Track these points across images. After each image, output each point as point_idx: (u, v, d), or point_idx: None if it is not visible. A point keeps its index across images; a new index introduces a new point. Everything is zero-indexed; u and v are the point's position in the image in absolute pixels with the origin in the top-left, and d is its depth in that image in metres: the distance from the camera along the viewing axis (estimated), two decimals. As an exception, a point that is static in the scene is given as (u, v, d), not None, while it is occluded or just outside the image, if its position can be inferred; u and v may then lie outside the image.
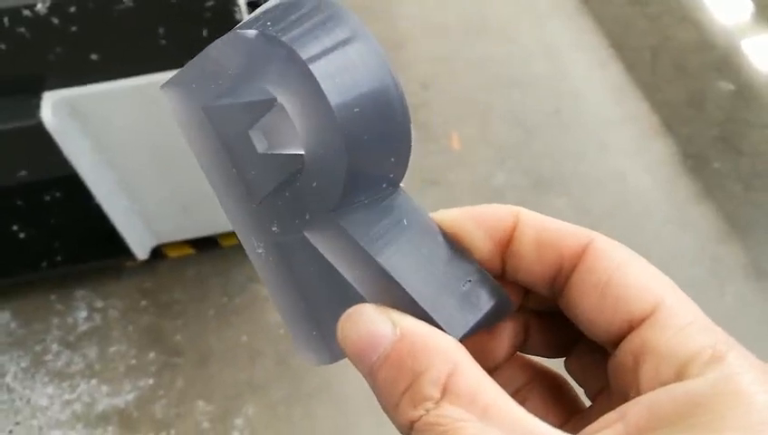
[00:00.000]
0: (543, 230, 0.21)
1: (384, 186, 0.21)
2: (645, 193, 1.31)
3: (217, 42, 0.21)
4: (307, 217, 0.21)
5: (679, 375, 0.16)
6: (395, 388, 0.17)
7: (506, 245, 0.21)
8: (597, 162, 1.37)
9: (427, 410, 0.16)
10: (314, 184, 0.20)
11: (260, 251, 0.22)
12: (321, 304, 0.22)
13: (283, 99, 0.20)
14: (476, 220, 0.21)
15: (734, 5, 1.69)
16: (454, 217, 0.21)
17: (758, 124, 1.41)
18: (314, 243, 0.21)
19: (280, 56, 0.19)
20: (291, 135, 0.20)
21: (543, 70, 1.56)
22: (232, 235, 1.25)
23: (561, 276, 0.20)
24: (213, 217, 1.16)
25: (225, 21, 0.86)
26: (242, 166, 0.21)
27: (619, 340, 0.19)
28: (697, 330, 0.18)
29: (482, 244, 0.21)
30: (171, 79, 0.22)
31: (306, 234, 0.21)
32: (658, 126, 1.43)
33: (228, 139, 0.21)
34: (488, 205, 0.21)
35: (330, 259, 0.21)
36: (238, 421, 1.05)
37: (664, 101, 1.47)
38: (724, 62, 1.54)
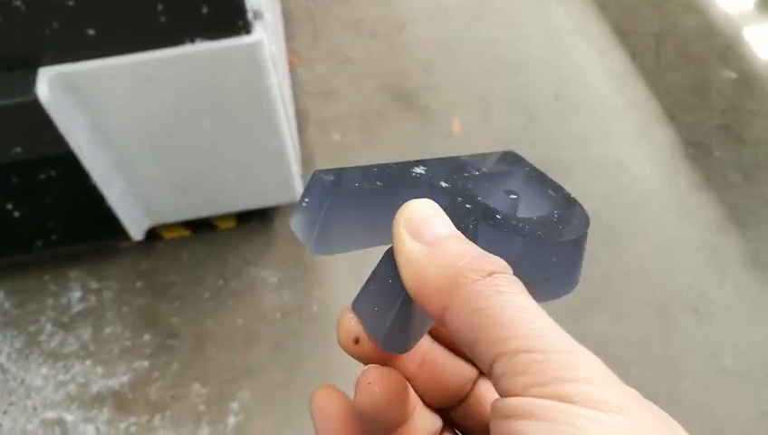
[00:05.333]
0: None
1: None
2: (646, 181, 1.30)
3: None
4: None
5: None
6: (462, 256, 0.21)
7: None
8: (598, 149, 1.36)
9: (492, 274, 0.20)
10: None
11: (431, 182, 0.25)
12: None
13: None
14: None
15: (738, -6, 1.68)
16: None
17: (761, 113, 1.41)
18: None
19: None
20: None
21: (546, 55, 1.55)
22: (228, 217, 1.24)
23: None
24: (209, 198, 1.15)
25: (224, -2, 0.85)
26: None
27: None
28: None
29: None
30: None
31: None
32: (661, 114, 1.42)
33: None
34: None
35: None
36: (234, 405, 1.05)
37: (666, 89, 1.46)
38: (728, 50, 1.53)
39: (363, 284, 0.24)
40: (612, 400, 0.17)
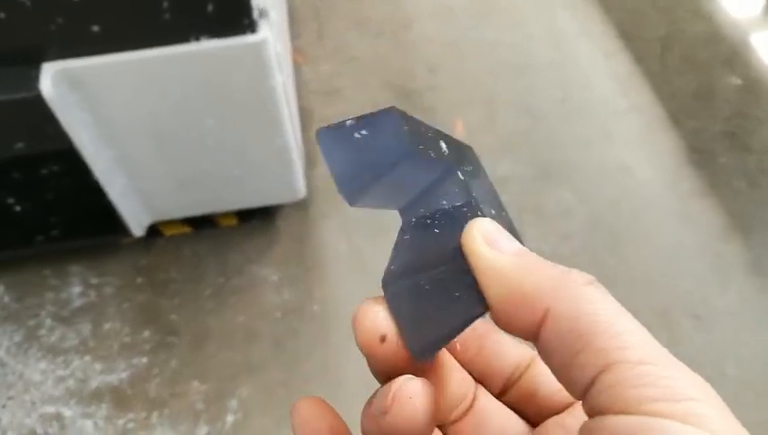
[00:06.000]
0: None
1: None
2: (649, 186, 1.30)
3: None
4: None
5: None
6: (546, 267, 0.20)
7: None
8: (602, 153, 1.35)
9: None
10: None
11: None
12: None
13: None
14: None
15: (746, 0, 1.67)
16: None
17: (766, 120, 1.40)
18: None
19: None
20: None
21: (551, 57, 1.54)
22: (230, 215, 1.24)
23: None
24: (211, 195, 1.15)
25: (230, -4, 0.84)
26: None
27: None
28: None
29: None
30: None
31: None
32: (665, 118, 1.41)
33: None
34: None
35: None
36: (233, 403, 1.05)
37: (672, 94, 1.46)
38: (734, 56, 1.53)
39: (410, 284, 0.21)
40: (726, 424, 0.17)
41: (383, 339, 0.21)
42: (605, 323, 0.18)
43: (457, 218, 0.23)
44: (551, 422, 0.25)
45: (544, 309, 0.19)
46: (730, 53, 1.53)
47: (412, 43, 1.57)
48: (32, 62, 0.87)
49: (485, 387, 0.26)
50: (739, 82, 1.47)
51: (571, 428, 0.25)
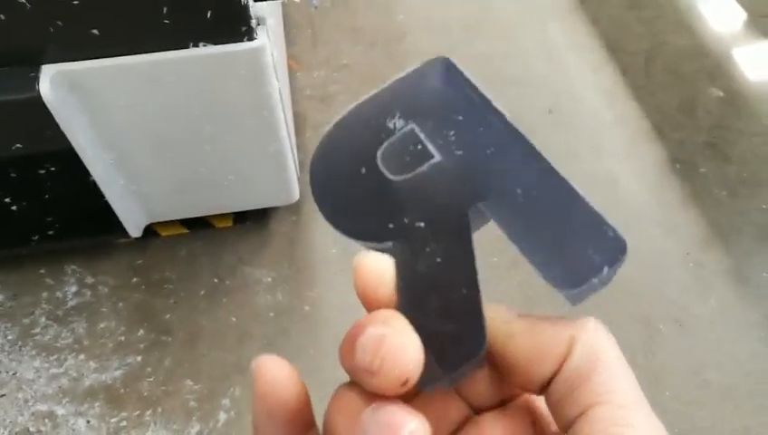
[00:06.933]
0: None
1: None
2: (633, 196, 1.33)
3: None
4: None
5: None
6: (549, 318, 0.23)
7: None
8: (588, 164, 1.38)
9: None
10: None
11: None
12: None
13: None
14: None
15: (729, 13, 1.71)
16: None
17: (747, 132, 1.44)
18: None
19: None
20: None
21: (541, 69, 1.57)
22: (226, 216, 1.26)
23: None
24: (208, 198, 1.16)
25: (229, 3, 0.86)
26: None
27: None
28: None
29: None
30: None
31: None
32: (649, 130, 1.45)
33: None
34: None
35: None
36: (225, 401, 1.06)
37: (656, 106, 1.49)
38: (717, 69, 1.57)
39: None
40: None
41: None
42: (604, 365, 0.21)
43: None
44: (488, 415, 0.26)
45: (567, 350, 0.22)
46: (713, 66, 1.57)
47: (405, 55, 1.59)
48: (31, 64, 0.88)
49: None
50: (721, 94, 1.51)
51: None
